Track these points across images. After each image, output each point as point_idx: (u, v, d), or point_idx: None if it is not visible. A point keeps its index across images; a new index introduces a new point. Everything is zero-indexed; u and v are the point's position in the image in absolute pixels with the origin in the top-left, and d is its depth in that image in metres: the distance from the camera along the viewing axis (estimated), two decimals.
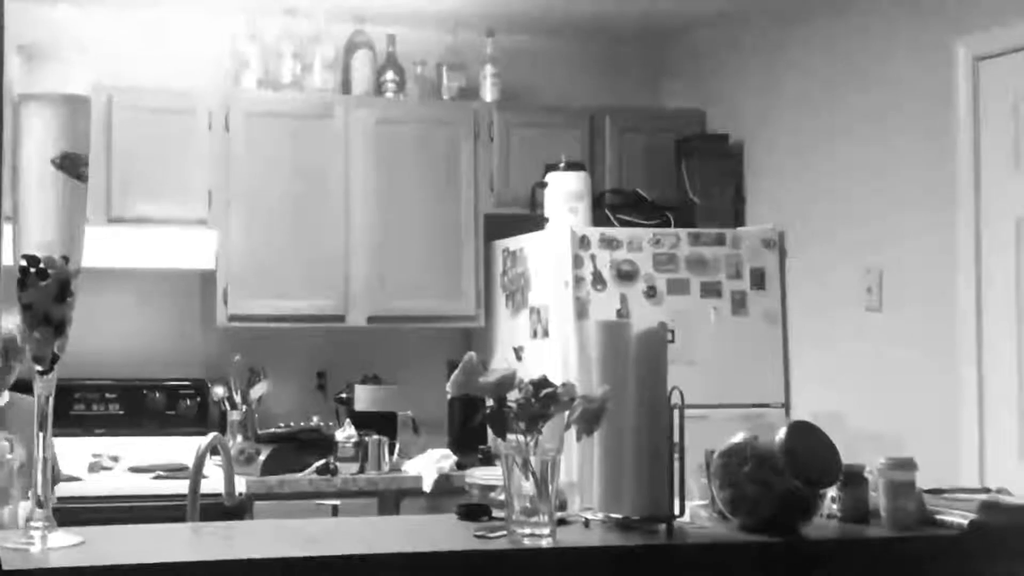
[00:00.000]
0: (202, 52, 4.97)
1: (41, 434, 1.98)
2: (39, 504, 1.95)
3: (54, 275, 1.92)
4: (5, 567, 1.76)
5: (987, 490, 2.48)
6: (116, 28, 4.83)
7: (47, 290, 1.91)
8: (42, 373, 1.96)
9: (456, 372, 2.14)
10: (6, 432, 3.55)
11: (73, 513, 3.26)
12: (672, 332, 2.17)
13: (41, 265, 1.91)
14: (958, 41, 3.90)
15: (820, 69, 4.57)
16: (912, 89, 4.10)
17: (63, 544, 1.93)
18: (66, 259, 1.93)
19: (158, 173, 4.65)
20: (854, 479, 2.32)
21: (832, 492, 2.32)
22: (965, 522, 2.24)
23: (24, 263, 1.91)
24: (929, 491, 2.37)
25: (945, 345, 3.90)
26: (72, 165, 1.91)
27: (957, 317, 3.87)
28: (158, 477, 4.34)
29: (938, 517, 2.30)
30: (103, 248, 4.30)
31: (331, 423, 4.78)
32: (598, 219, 4.73)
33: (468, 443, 4.70)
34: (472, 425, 4.61)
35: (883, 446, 2.60)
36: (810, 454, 2.21)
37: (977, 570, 2.23)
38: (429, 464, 4.59)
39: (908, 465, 2.32)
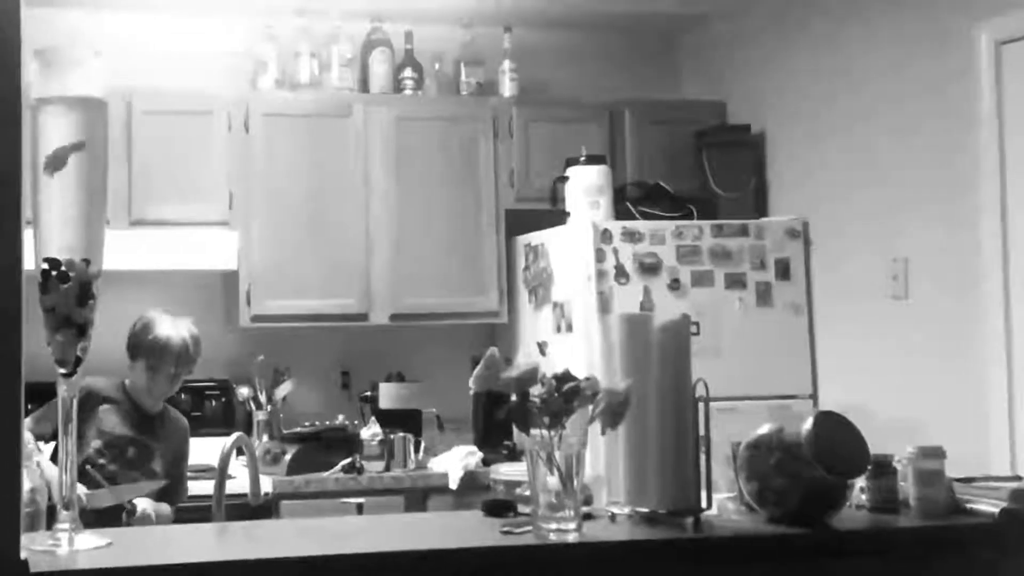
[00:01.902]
0: (220, 54, 4.98)
1: (66, 436, 1.98)
2: (65, 506, 1.95)
3: (75, 278, 1.92)
4: (33, 569, 1.76)
5: (1018, 478, 2.46)
6: (134, 32, 4.84)
7: (69, 293, 1.92)
8: (65, 376, 1.96)
9: (478, 368, 2.14)
10: (157, 443, 3.61)
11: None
12: (697, 324, 2.16)
13: (62, 268, 1.92)
14: (979, 25, 3.86)
15: (841, 57, 4.53)
16: (934, 74, 4.06)
17: (90, 546, 1.93)
18: (87, 262, 1.93)
19: (179, 175, 4.66)
20: (883, 469, 2.31)
21: (861, 482, 2.31)
22: (996, 510, 2.22)
23: (45, 266, 1.92)
24: (959, 480, 2.35)
25: (973, 331, 3.87)
26: (56, 162, 1.91)
27: (984, 303, 3.83)
28: (188, 485, 4.35)
29: (968, 506, 2.28)
30: (125, 251, 4.31)
31: (356, 422, 4.78)
32: (620, 213, 4.71)
33: (494, 439, 4.69)
34: (496, 420, 4.63)
35: (911, 435, 2.57)
36: (838, 444, 2.19)
37: (1009, 559, 2.21)
38: (455, 461, 4.58)
39: (937, 454, 2.30)
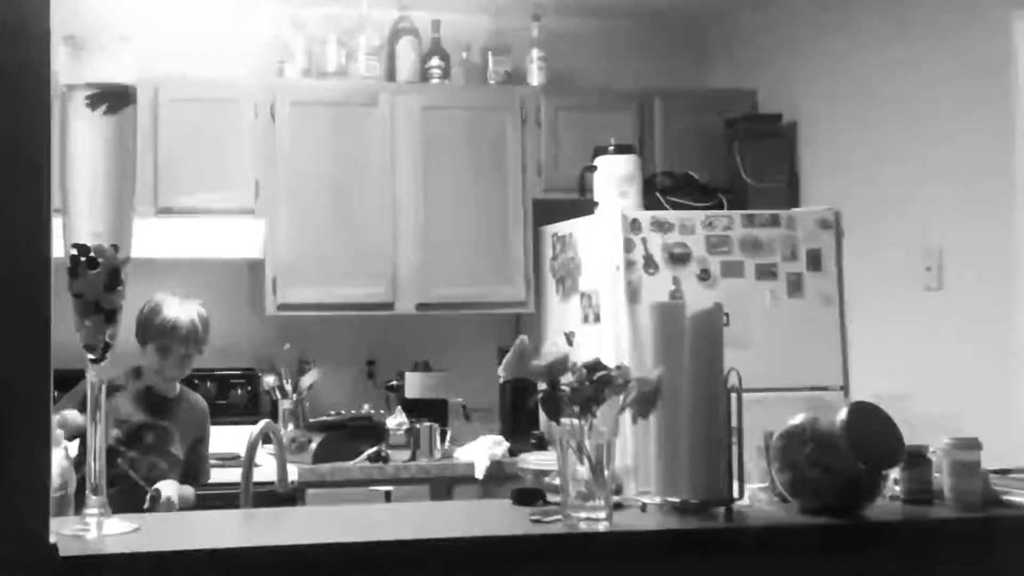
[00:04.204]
0: (246, 42, 4.97)
1: (94, 423, 1.97)
2: (93, 491, 1.95)
3: (104, 264, 1.92)
4: (63, 553, 1.77)
5: None
6: (161, 20, 4.84)
7: (97, 279, 1.92)
8: (94, 361, 1.96)
9: (508, 355, 2.12)
10: (175, 425, 3.62)
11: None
12: (727, 315, 2.14)
13: (91, 254, 1.91)
14: (1016, 14, 3.80)
15: (874, 45, 4.48)
16: (970, 63, 4.01)
17: (118, 531, 1.93)
18: (115, 248, 1.93)
19: (205, 164, 4.66)
20: (917, 460, 2.29)
21: (895, 473, 2.28)
22: None
23: (74, 252, 1.92)
24: (995, 471, 2.32)
25: (1008, 322, 3.82)
26: (112, 102, 1.90)
27: (1020, 293, 3.78)
28: (211, 466, 4.35)
29: (1004, 498, 2.26)
30: (152, 239, 4.29)
31: (382, 411, 4.77)
32: (649, 202, 4.67)
33: (520, 429, 4.68)
34: (526, 408, 4.61)
35: (945, 426, 2.54)
36: (872, 435, 2.17)
37: None
38: (481, 451, 4.57)
39: (973, 445, 2.28)
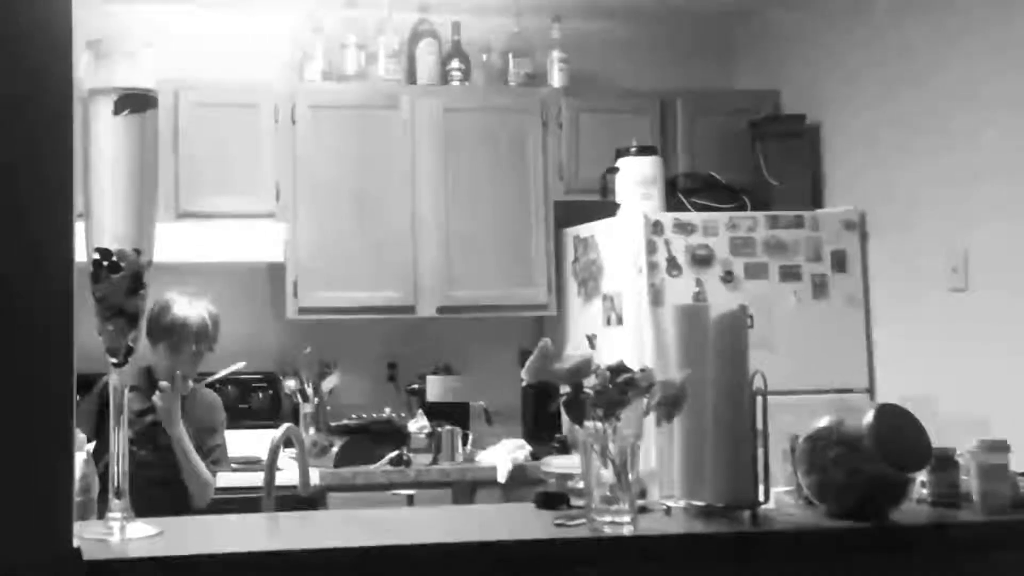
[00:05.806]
0: (266, 45, 4.98)
1: (117, 427, 1.97)
2: (117, 495, 1.95)
3: (126, 268, 1.92)
4: (86, 557, 1.77)
5: None
6: (181, 23, 4.85)
7: (120, 283, 1.92)
8: (117, 365, 1.95)
9: (531, 358, 2.11)
10: (189, 423, 3.64)
11: None
12: (751, 317, 2.13)
13: (114, 258, 1.91)
14: None
15: (899, 44, 4.45)
16: (994, 64, 3.98)
17: (141, 535, 1.93)
18: (138, 252, 1.93)
19: (226, 167, 4.67)
20: (945, 463, 2.27)
21: (922, 476, 2.26)
22: None
23: (97, 256, 1.91)
24: (1023, 474, 2.29)
25: None
26: (136, 104, 1.90)
27: None
28: (232, 470, 4.35)
29: None
30: (172, 243, 4.28)
31: (403, 414, 4.77)
32: (671, 204, 4.66)
33: (542, 433, 4.66)
34: (548, 412, 4.58)
35: (972, 429, 2.51)
36: (899, 438, 2.15)
37: None
38: (503, 454, 4.56)
39: (1001, 447, 2.25)
